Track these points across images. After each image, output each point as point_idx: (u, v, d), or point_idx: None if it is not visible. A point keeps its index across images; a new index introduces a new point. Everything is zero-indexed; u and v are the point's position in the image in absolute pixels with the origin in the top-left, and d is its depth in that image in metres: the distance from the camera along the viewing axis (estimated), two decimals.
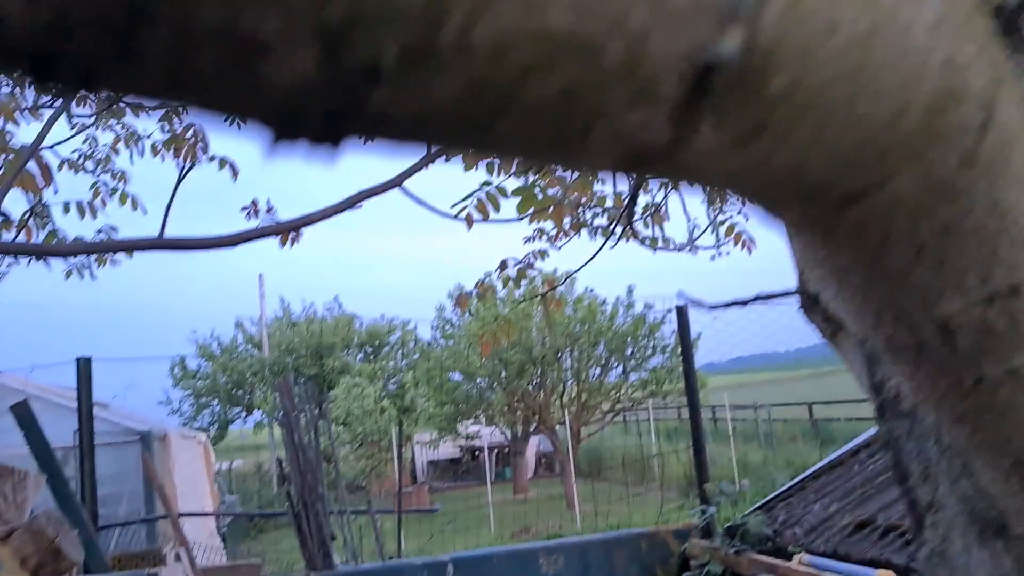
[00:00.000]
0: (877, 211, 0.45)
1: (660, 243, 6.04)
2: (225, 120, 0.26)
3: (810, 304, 1.06)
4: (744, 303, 1.08)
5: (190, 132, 3.84)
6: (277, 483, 20.55)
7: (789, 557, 4.78)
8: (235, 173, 3.79)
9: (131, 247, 2.17)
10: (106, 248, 2.32)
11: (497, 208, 3.64)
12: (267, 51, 0.21)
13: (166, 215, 2.09)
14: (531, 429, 20.07)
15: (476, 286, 5.01)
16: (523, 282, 5.20)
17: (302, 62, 0.21)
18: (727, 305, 1.06)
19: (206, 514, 9.85)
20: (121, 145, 5.57)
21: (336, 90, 0.22)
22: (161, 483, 4.68)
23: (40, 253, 3.86)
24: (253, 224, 3.67)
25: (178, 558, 4.60)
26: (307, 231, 3.87)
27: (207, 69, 0.21)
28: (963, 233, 0.49)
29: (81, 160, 5.53)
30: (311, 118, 0.24)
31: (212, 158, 3.81)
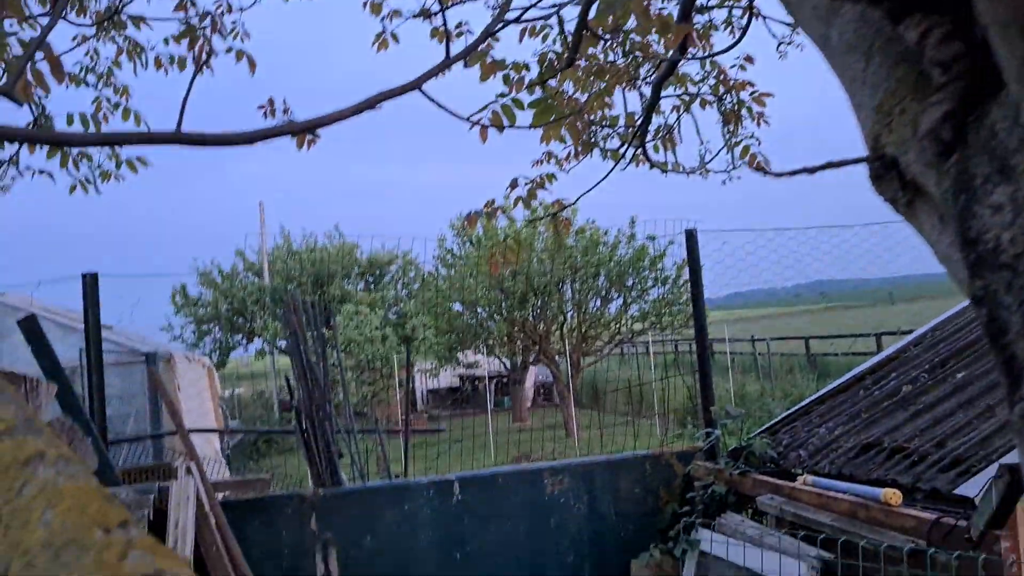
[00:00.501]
0: None
1: (671, 166, 5.95)
2: None
3: (885, 171, 1.01)
4: (812, 170, 1.03)
5: (206, 21, 3.72)
6: (279, 410, 20.75)
7: (793, 478, 4.82)
8: (252, 66, 3.66)
9: (148, 139, 2.10)
10: (122, 140, 2.25)
11: (512, 120, 3.55)
12: None
13: (182, 110, 2.02)
14: (531, 359, 20.19)
15: (485, 206, 4.94)
16: (532, 202, 5.13)
17: None
18: (795, 172, 1.01)
19: (214, 430, 9.94)
20: (124, 58, 5.43)
21: None
22: (170, 396, 4.68)
23: (54, 141, 3.77)
24: (270, 123, 3.57)
25: (188, 472, 4.62)
26: (312, 150, 3.79)
27: None
28: None
29: (83, 73, 5.40)
30: None
31: (229, 50, 3.70)
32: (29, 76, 2.88)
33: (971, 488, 3.76)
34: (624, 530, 5.68)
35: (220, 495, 5.23)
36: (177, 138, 2.01)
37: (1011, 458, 3.68)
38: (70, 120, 4.63)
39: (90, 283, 4.83)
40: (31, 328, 4.41)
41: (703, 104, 5.59)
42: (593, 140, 5.08)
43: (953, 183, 0.79)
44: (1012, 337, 0.72)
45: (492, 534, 5.49)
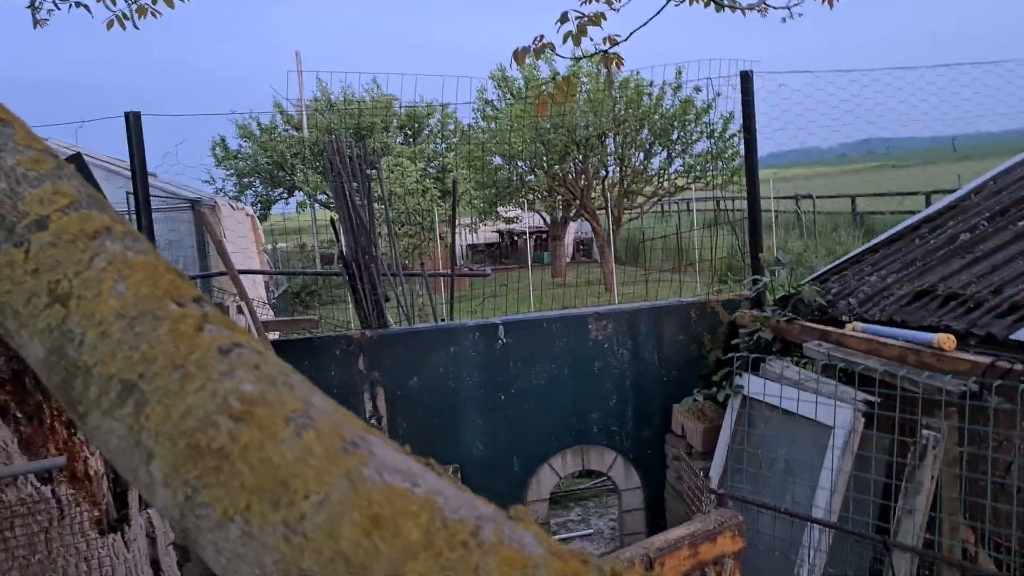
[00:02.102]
0: None
1: (728, 3, 5.64)
2: None
3: None
4: None
5: None
6: (321, 263, 21.04)
7: (842, 326, 4.77)
8: None
9: None
10: None
11: None
12: None
13: None
14: (571, 214, 20.07)
15: (534, 41, 4.73)
16: (583, 39, 4.91)
17: None
18: None
19: (264, 272, 10.11)
20: None
21: None
22: (219, 236, 4.70)
23: None
24: None
25: (239, 311, 4.70)
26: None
27: None
28: None
29: None
30: None
31: None
32: None
33: None
34: (668, 375, 5.73)
35: (270, 335, 5.35)
36: None
37: None
38: None
39: (133, 121, 4.78)
40: (78, 166, 4.40)
41: None
42: None
43: None
44: None
45: (536, 377, 5.58)
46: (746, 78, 5.44)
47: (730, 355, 5.30)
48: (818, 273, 5.76)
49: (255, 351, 0.82)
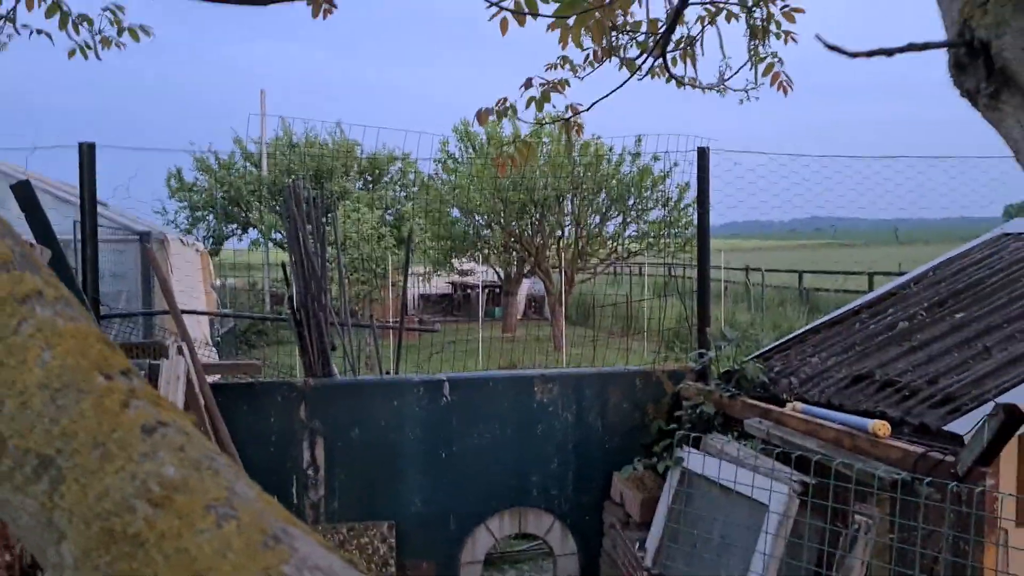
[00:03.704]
0: None
1: (688, 81, 5.79)
2: None
3: (970, 58, 0.92)
4: (891, 52, 0.94)
5: None
6: (271, 303, 20.79)
7: (783, 405, 4.83)
8: None
9: None
10: None
11: (534, 10, 3.41)
12: None
13: None
14: (525, 271, 20.18)
15: (497, 103, 4.80)
16: (545, 105, 4.99)
17: None
18: (870, 53, 0.92)
19: (208, 313, 9.94)
20: None
21: None
22: (164, 274, 4.62)
23: None
24: None
25: (180, 351, 4.60)
26: (317, 47, 3.62)
27: None
28: None
29: None
30: None
31: None
32: None
33: (960, 426, 3.76)
34: (610, 441, 5.73)
35: (210, 378, 5.23)
36: None
37: (1005, 398, 3.67)
38: None
39: (87, 153, 4.71)
40: (25, 194, 4.31)
41: (729, 18, 5.39)
42: (614, 45, 4.91)
43: None
44: None
45: (479, 436, 5.54)
46: (702, 155, 5.57)
47: (672, 426, 5.32)
48: (762, 350, 5.85)
49: (181, 431, 0.80)
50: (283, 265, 5.36)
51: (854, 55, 0.92)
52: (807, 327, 6.00)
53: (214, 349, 11.36)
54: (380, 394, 5.41)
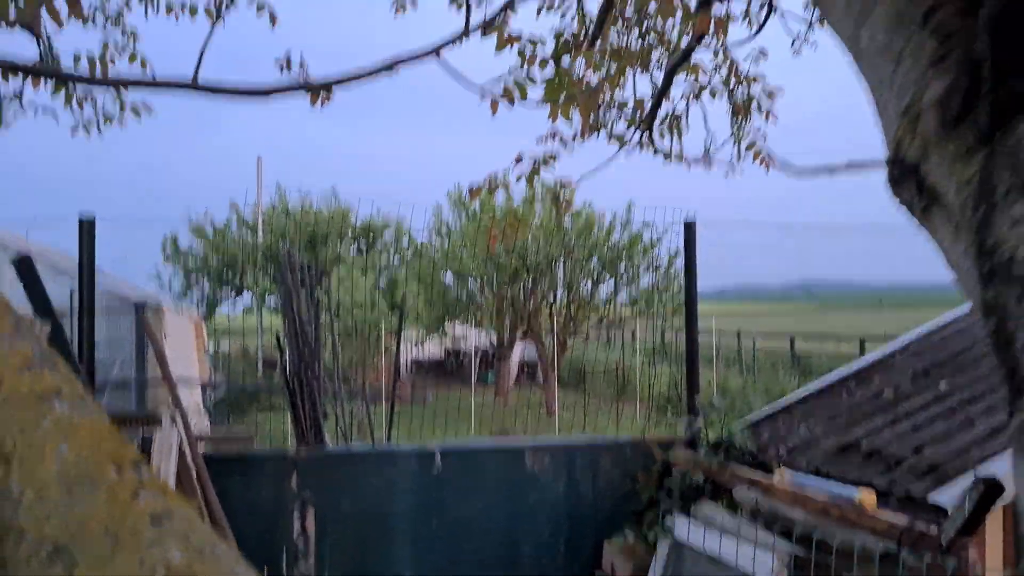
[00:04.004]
0: None
1: (675, 155, 5.96)
2: None
3: (902, 177, 1.03)
4: (833, 170, 1.04)
5: None
6: (263, 368, 20.74)
7: (771, 473, 4.87)
8: (273, 20, 3.63)
9: (163, 85, 2.09)
10: (136, 83, 2.25)
11: (524, 96, 3.55)
12: None
13: (201, 56, 2.02)
14: (517, 336, 20.24)
15: (487, 180, 4.94)
16: (535, 179, 5.13)
17: None
18: (815, 172, 1.02)
19: (201, 382, 9.96)
20: (135, 2, 5.38)
21: None
22: (159, 344, 4.69)
23: (67, 78, 3.74)
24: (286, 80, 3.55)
25: (173, 421, 4.64)
26: (315, 115, 3.77)
27: None
28: None
29: (91, 12, 5.34)
30: None
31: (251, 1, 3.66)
32: (44, 11, 2.86)
33: (945, 496, 3.82)
34: (600, 512, 5.73)
35: (202, 448, 5.25)
36: (193, 86, 2.01)
37: (987, 469, 3.73)
38: (77, 59, 4.59)
39: (87, 228, 4.82)
40: (26, 269, 4.40)
41: (713, 94, 5.59)
42: (601, 122, 5.08)
43: (974, 193, 0.81)
44: (1018, 349, 0.74)
45: (470, 506, 5.54)
46: (689, 228, 5.71)
47: (662, 494, 5.34)
48: (751, 418, 5.90)
49: (186, 519, 0.87)
50: (277, 336, 5.43)
51: (800, 174, 1.02)
52: (795, 396, 6.07)
53: (207, 416, 11.35)
54: (371, 464, 5.42)
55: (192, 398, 9.91)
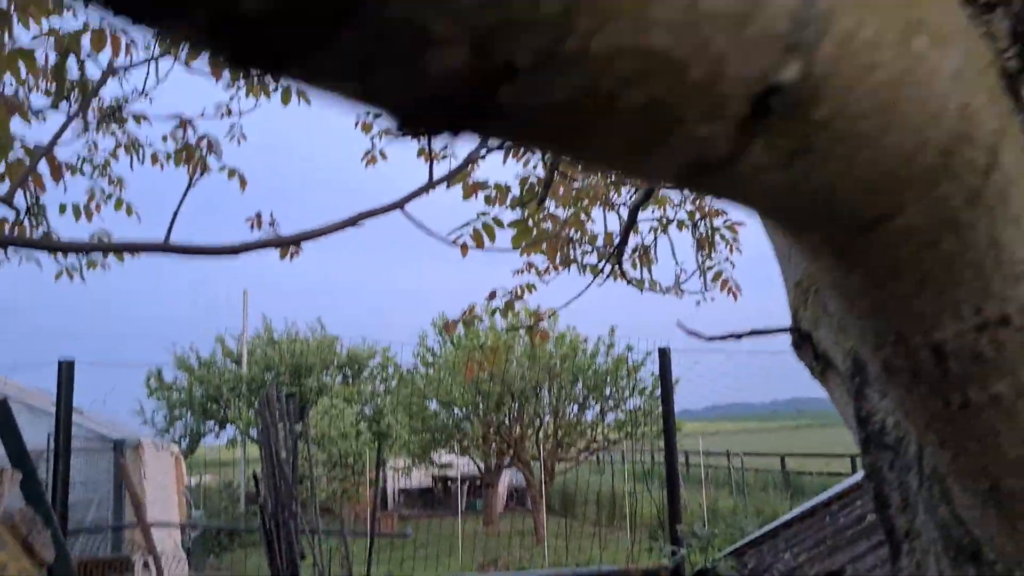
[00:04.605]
0: (890, 238, 0.50)
1: (647, 285, 6.12)
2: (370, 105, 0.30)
3: (801, 342, 1.12)
4: (740, 336, 1.13)
5: (203, 142, 3.89)
6: (245, 502, 20.29)
7: None
8: (244, 184, 3.81)
9: (136, 248, 2.20)
10: (111, 248, 2.36)
11: (492, 238, 3.70)
12: (431, 45, 0.25)
13: (173, 220, 2.13)
14: (505, 462, 19.99)
15: (463, 313, 5.05)
16: (510, 313, 5.25)
17: (455, 56, 0.26)
18: (723, 337, 1.11)
19: (178, 525, 9.73)
20: (121, 151, 5.60)
21: (475, 82, 0.27)
22: (135, 489, 4.65)
23: (43, 247, 3.87)
24: (256, 235, 3.69)
25: (146, 566, 4.56)
26: (303, 248, 3.91)
27: (383, 56, 0.26)
28: (962, 265, 0.55)
29: (79, 163, 5.55)
30: (448, 106, 0.29)
31: (223, 167, 3.85)
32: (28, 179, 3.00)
33: None
34: None
35: None
36: (165, 248, 2.11)
37: None
38: (62, 210, 4.75)
39: (66, 371, 4.86)
40: (2, 414, 4.40)
41: (680, 226, 5.79)
42: (572, 257, 5.24)
43: (851, 364, 0.90)
44: (893, 511, 0.80)
45: None
46: (663, 355, 5.80)
47: None
48: (735, 546, 5.84)
49: None
50: (254, 474, 5.40)
51: (710, 339, 1.11)
52: (779, 521, 6.02)
53: (185, 556, 11.03)
54: None
55: (171, 539, 9.67)
